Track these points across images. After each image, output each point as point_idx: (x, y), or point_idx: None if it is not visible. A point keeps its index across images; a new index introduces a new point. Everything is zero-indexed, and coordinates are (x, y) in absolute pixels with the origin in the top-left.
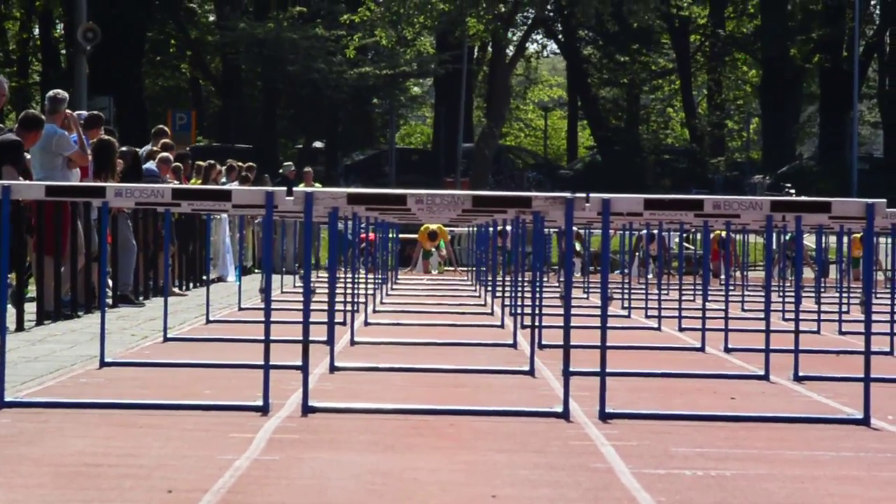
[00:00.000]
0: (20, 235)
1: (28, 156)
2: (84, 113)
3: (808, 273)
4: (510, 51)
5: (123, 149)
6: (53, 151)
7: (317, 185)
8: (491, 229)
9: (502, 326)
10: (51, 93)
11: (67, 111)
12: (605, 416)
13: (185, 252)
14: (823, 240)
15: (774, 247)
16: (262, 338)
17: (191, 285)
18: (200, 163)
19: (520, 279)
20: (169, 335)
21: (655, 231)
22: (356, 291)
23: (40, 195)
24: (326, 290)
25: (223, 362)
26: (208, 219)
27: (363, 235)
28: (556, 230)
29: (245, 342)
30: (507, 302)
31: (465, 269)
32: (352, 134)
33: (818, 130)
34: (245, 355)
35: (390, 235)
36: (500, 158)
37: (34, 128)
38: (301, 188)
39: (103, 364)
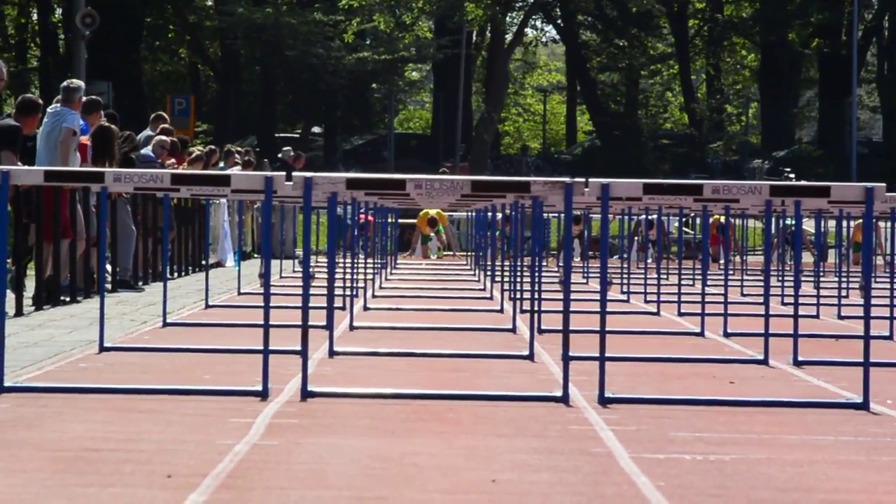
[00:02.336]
0: (20, 220)
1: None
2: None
3: (808, 257)
4: (509, 36)
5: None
6: (60, 128)
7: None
8: (495, 214)
9: (502, 311)
10: (65, 82)
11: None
12: (604, 401)
13: (183, 237)
14: (823, 224)
15: (773, 231)
16: (262, 323)
17: (190, 270)
18: (200, 148)
19: (519, 264)
20: (168, 320)
21: (654, 216)
22: (355, 276)
23: (39, 180)
24: (326, 275)
25: (222, 347)
26: (207, 204)
27: (361, 216)
28: (555, 215)
29: (244, 327)
30: (506, 287)
31: (465, 253)
32: (350, 119)
33: (817, 115)
34: (244, 340)
35: (389, 220)
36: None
37: (32, 112)
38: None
39: (102, 349)
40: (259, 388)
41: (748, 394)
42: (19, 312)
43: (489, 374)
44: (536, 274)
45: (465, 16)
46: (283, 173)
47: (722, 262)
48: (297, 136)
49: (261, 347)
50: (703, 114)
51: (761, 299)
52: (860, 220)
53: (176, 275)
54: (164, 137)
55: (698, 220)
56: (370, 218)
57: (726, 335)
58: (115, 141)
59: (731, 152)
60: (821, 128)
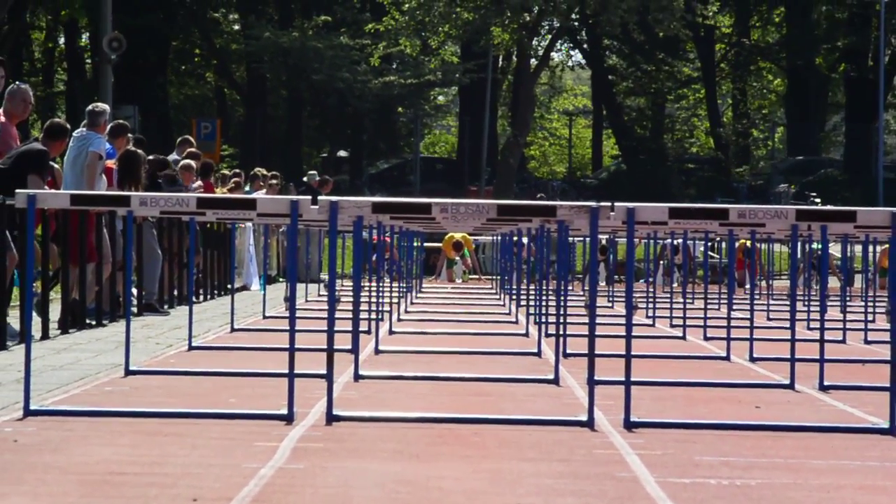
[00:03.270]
0: (45, 244)
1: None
2: None
3: (834, 282)
4: (535, 60)
5: (150, 157)
6: (86, 152)
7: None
8: (521, 239)
9: (527, 335)
10: (90, 106)
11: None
12: (629, 425)
13: (210, 261)
14: (849, 249)
15: (800, 256)
16: (287, 346)
17: (215, 294)
18: (225, 172)
19: (544, 288)
20: (194, 344)
21: (680, 240)
22: (381, 300)
23: (65, 204)
24: (351, 299)
25: (248, 371)
26: (233, 227)
27: (380, 238)
28: (580, 239)
29: (270, 351)
30: (531, 311)
31: (490, 277)
32: (376, 143)
33: (843, 139)
34: (270, 364)
35: (415, 244)
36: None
37: (59, 136)
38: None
39: (128, 372)
40: (284, 411)
41: (774, 418)
42: (45, 336)
43: (514, 398)
44: (562, 298)
45: (491, 40)
46: (309, 197)
47: (748, 286)
48: (323, 158)
49: (286, 371)
50: (729, 138)
51: (787, 324)
52: (887, 245)
53: (201, 298)
54: (188, 161)
55: (724, 245)
56: (387, 239)
57: (752, 360)
58: (142, 165)
59: (758, 175)
60: (847, 152)
